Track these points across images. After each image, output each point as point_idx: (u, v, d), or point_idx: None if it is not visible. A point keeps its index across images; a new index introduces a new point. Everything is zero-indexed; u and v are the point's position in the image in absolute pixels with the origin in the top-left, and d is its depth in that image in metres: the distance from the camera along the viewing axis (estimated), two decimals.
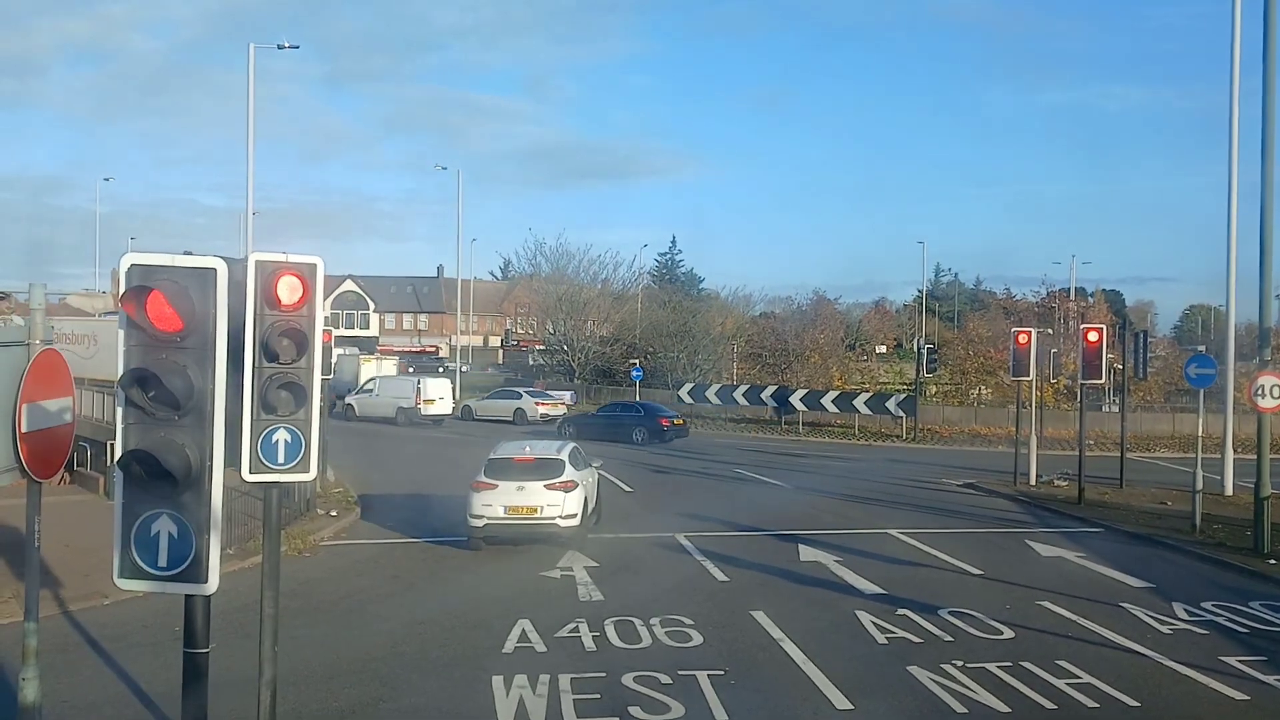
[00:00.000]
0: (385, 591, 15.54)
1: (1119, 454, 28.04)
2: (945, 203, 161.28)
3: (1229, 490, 24.96)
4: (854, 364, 62.34)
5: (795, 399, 46.75)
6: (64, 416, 6.92)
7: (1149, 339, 36.21)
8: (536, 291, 73.88)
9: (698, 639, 12.51)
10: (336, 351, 45.45)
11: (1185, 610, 13.98)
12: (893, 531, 20.19)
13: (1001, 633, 12.80)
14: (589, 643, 12.34)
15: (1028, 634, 12.76)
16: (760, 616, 13.48)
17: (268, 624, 6.97)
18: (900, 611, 13.72)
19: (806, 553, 17.77)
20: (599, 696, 10.40)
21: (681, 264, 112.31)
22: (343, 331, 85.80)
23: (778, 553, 17.95)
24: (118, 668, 11.40)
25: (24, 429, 6.45)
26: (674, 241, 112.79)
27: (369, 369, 59.17)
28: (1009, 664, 11.42)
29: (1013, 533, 20.74)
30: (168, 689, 9.43)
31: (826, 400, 46.31)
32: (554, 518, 17.65)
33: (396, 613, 14.05)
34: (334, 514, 21.01)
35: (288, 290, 6.11)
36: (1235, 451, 26.37)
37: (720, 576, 16.15)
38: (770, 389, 48.81)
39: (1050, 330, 49.07)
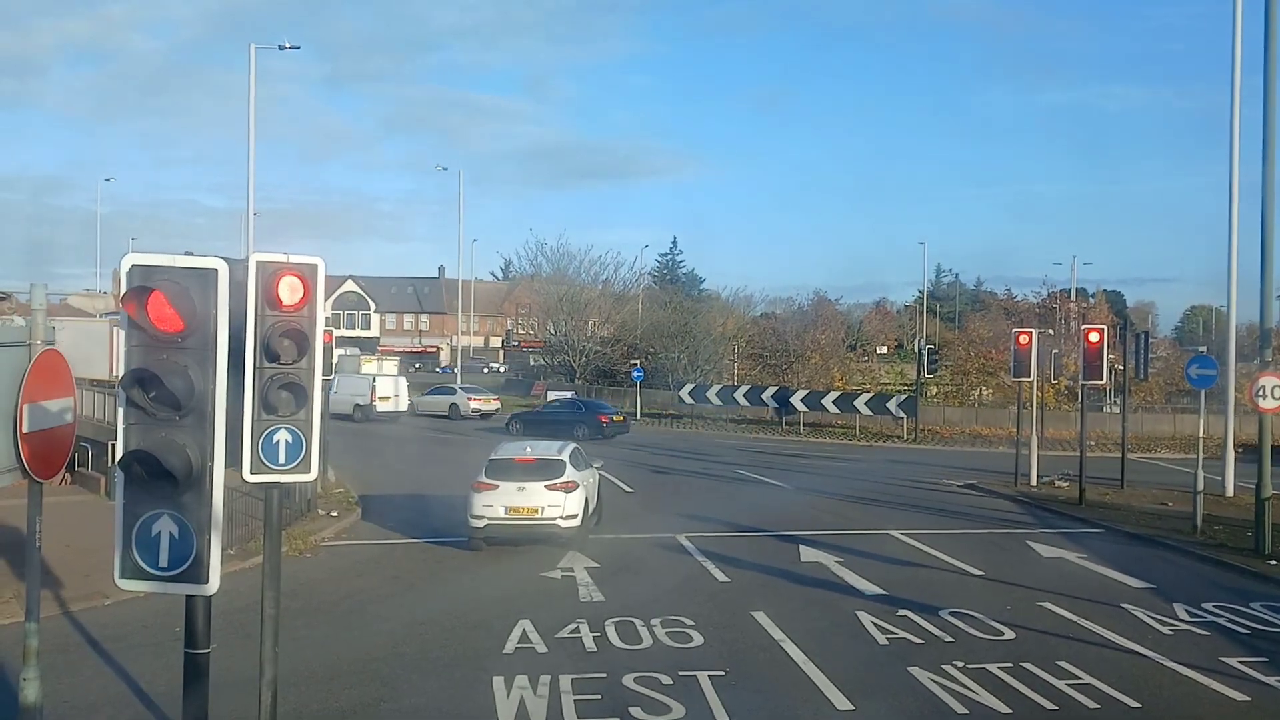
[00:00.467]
0: (386, 592, 15.54)
1: (1120, 455, 28.04)
2: (946, 203, 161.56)
3: (1230, 491, 24.96)
4: (855, 364, 62.35)
5: (796, 399, 46.76)
6: (65, 417, 6.93)
7: (1150, 340, 36.16)
8: (537, 292, 73.94)
9: (698, 640, 12.51)
10: (338, 352, 45.64)
11: (1186, 611, 13.98)
12: (893, 532, 20.19)
13: (1002, 633, 12.80)
14: (590, 643, 12.34)
15: (1028, 635, 12.75)
16: (761, 617, 13.48)
17: (268, 624, 6.98)
18: (901, 612, 13.72)
19: (807, 553, 17.77)
20: (600, 697, 10.40)
21: (682, 264, 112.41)
22: (343, 332, 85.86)
23: (778, 553, 17.95)
24: (118, 668, 11.40)
25: (25, 429, 6.46)
26: (675, 242, 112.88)
27: (370, 370, 59.28)
28: (1010, 665, 11.42)
29: (1013, 533, 20.73)
30: (168, 689, 9.46)
31: (827, 401, 46.32)
32: (555, 518, 17.65)
33: (397, 613, 14.05)
34: (335, 514, 21.02)
35: (289, 291, 6.12)
36: (1236, 452, 26.35)
37: (721, 577, 16.15)
38: (771, 389, 48.81)
39: (1051, 331, 49.05)
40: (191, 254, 5.87)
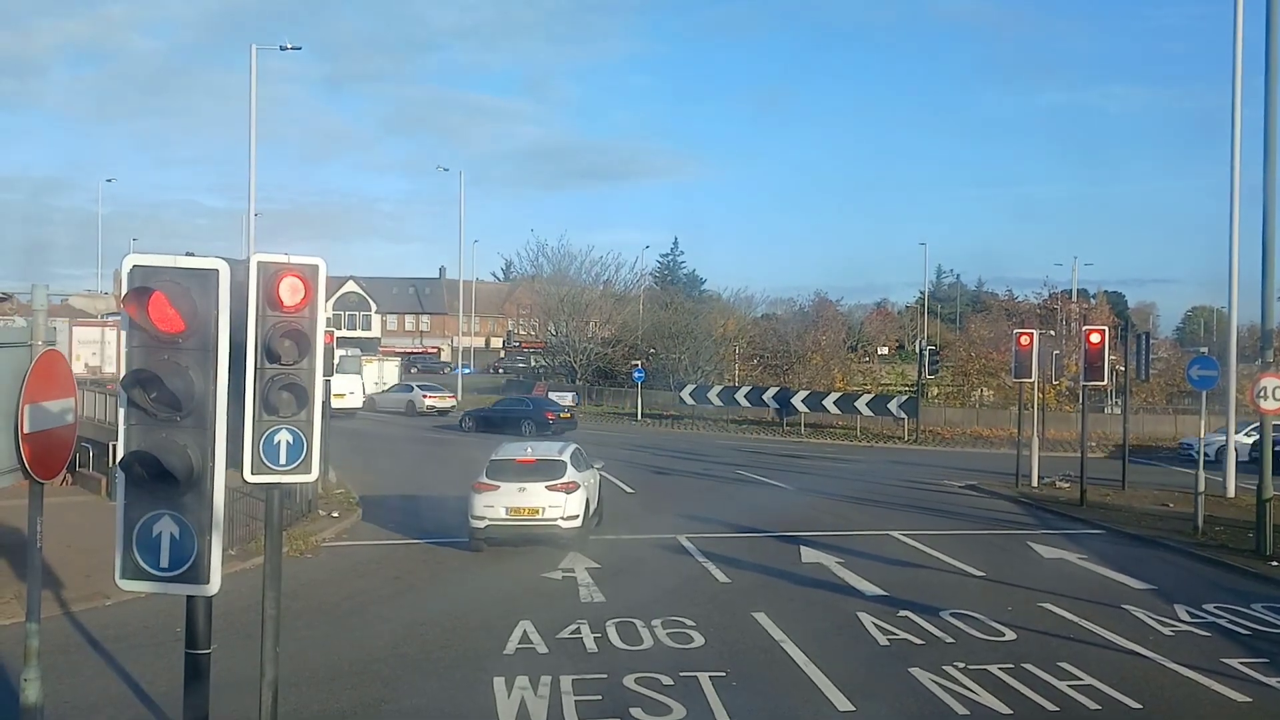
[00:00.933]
0: (387, 593, 15.55)
1: (1121, 455, 28.01)
2: (946, 204, 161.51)
3: (1231, 492, 24.93)
4: (856, 365, 62.25)
5: (797, 400, 46.76)
6: (66, 417, 6.93)
7: (1151, 340, 36.13)
8: (538, 293, 73.93)
9: (699, 640, 12.50)
10: (339, 353, 45.89)
11: (1187, 612, 13.97)
12: (894, 533, 20.18)
13: (1003, 634, 12.79)
14: (590, 644, 12.34)
15: (1029, 635, 12.75)
16: (762, 618, 13.48)
17: (269, 625, 6.98)
18: (902, 613, 13.71)
19: (808, 554, 17.77)
20: (600, 698, 10.40)
21: (683, 265, 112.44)
22: (344, 332, 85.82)
23: (779, 554, 17.94)
24: (119, 668, 11.41)
25: (26, 430, 6.46)
26: (675, 243, 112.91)
27: (370, 370, 59.40)
28: (1010, 665, 11.41)
29: (1014, 534, 20.72)
30: (169, 690, 9.47)
31: (828, 402, 46.31)
32: (555, 519, 17.65)
33: (398, 614, 14.05)
34: (335, 515, 21.02)
35: (289, 291, 6.13)
36: (1237, 453, 26.31)
37: (722, 578, 16.15)
38: (772, 390, 48.80)
39: (1052, 332, 49.08)
40: (192, 255, 5.88)
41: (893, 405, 44.90)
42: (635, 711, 9.95)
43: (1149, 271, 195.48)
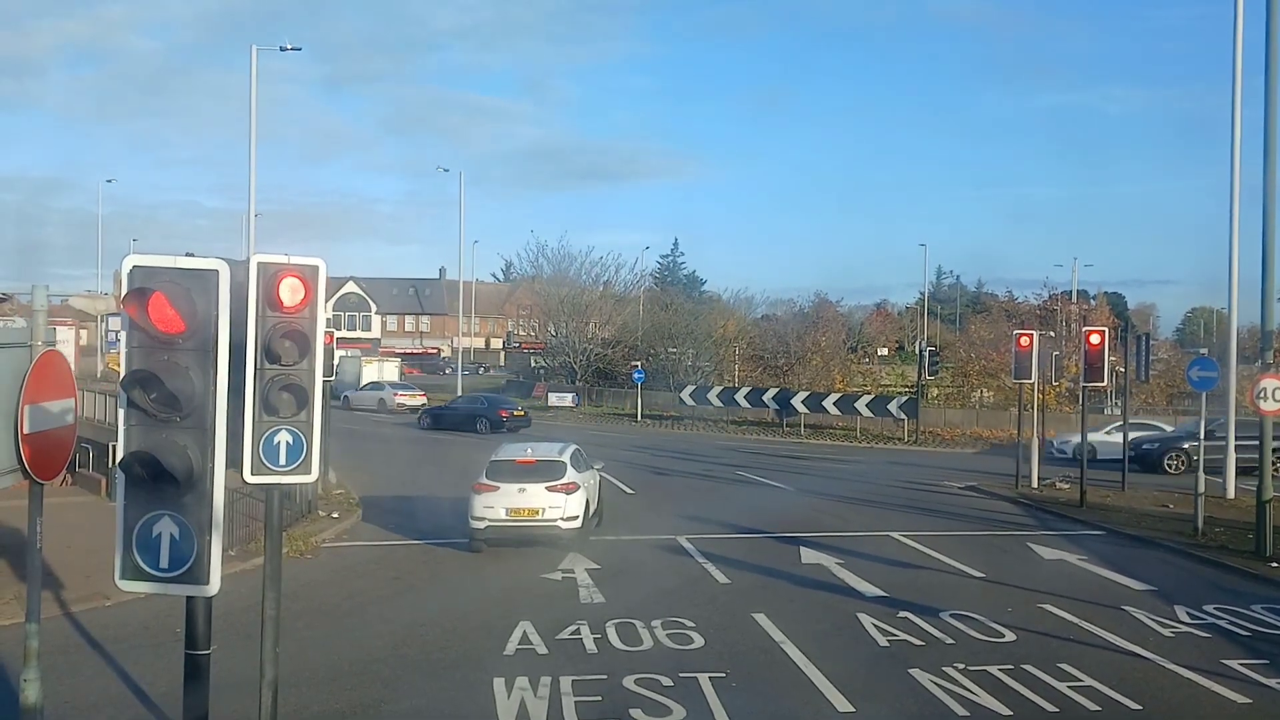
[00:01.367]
0: (387, 593, 15.55)
1: (1121, 456, 27.99)
2: (946, 205, 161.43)
3: (1231, 493, 24.91)
4: (856, 366, 62.27)
5: (797, 401, 46.76)
6: (66, 418, 6.93)
7: (1151, 341, 36.14)
8: (538, 293, 73.93)
9: (699, 641, 12.50)
10: (338, 353, 46.04)
11: (1187, 613, 13.96)
12: (894, 534, 20.18)
13: (1003, 635, 12.79)
14: (590, 645, 12.34)
15: (1029, 637, 12.74)
16: (761, 619, 13.48)
17: (269, 625, 6.98)
18: (901, 614, 13.70)
19: (808, 555, 17.77)
20: (600, 699, 10.40)
21: (683, 266, 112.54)
22: (344, 333, 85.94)
23: (779, 555, 17.94)
24: (119, 669, 11.41)
25: (26, 430, 6.46)
26: (676, 244, 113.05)
27: (370, 371, 59.51)
28: (1010, 667, 11.41)
29: (1014, 535, 20.72)
30: (169, 690, 9.47)
31: (828, 403, 46.31)
32: (555, 520, 17.66)
33: (398, 614, 14.06)
34: (335, 516, 21.03)
35: (289, 292, 6.13)
36: (1237, 454, 26.28)
37: (721, 579, 16.15)
38: (772, 391, 48.81)
39: (1052, 333, 49.00)
40: (192, 255, 5.88)
41: (893, 406, 44.90)
42: (635, 712, 9.95)
43: (1149, 272, 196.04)
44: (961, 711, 10.08)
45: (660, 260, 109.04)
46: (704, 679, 10.93)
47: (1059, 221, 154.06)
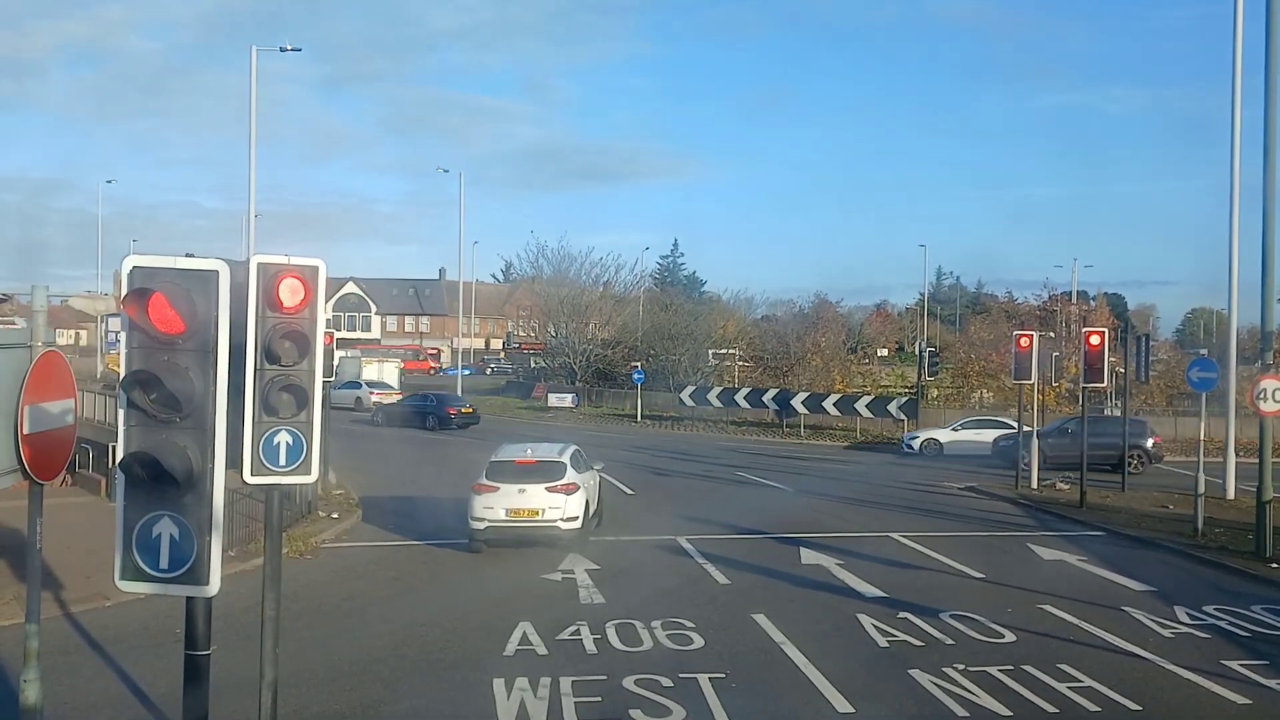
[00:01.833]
0: (386, 594, 15.55)
1: (1120, 457, 28.00)
2: (946, 205, 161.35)
3: (1231, 494, 24.92)
4: (856, 367, 62.27)
5: (797, 402, 46.74)
6: (66, 418, 6.93)
7: (1151, 342, 36.15)
8: (538, 294, 73.94)
9: (699, 642, 12.51)
10: (338, 354, 46.13)
11: (1187, 614, 13.96)
12: (894, 535, 20.17)
13: (1003, 636, 12.79)
14: (590, 645, 12.34)
15: (1029, 637, 12.75)
16: (761, 619, 13.48)
17: (269, 626, 6.98)
18: (901, 615, 13.71)
19: (808, 556, 17.76)
20: (600, 699, 10.40)
21: (683, 267, 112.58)
22: (344, 334, 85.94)
23: (779, 556, 17.94)
24: (119, 669, 11.41)
25: (26, 431, 6.46)
26: (676, 244, 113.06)
27: (370, 371, 59.56)
28: (1010, 667, 11.42)
29: (1014, 536, 20.72)
30: (169, 691, 9.47)
31: (828, 403, 46.28)
32: (555, 520, 17.66)
33: (398, 615, 14.06)
34: (335, 516, 21.03)
35: (289, 292, 6.13)
36: (1237, 455, 26.32)
37: (721, 579, 16.15)
38: (772, 392, 48.80)
39: (1052, 333, 49.12)
40: (192, 256, 5.88)
41: (892, 407, 44.88)
42: (635, 713, 9.95)
43: (1149, 273, 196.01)
44: (961, 712, 10.08)
45: (660, 261, 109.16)
46: (704, 679, 10.94)
47: (1059, 222, 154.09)
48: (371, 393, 54.81)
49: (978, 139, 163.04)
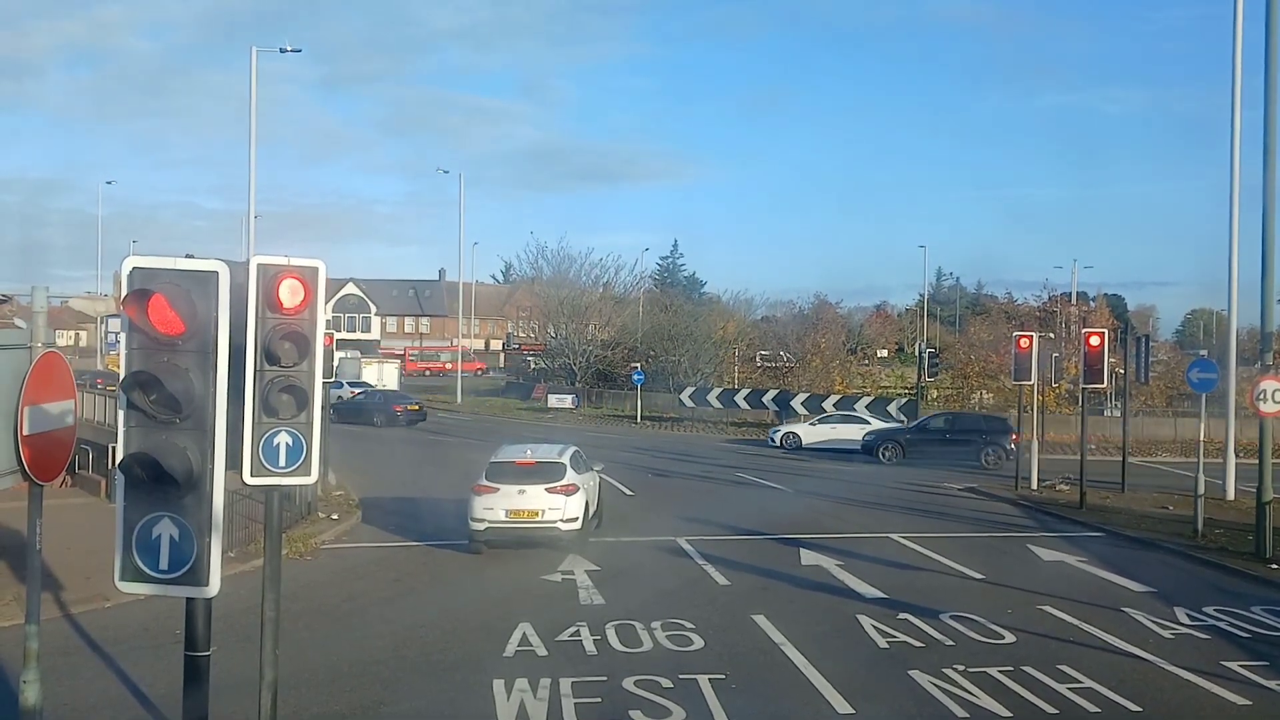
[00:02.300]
0: (386, 595, 15.55)
1: (1120, 458, 28.01)
2: (946, 206, 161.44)
3: (1231, 495, 24.93)
4: (855, 368, 62.25)
5: (797, 403, 46.72)
6: (66, 419, 6.93)
7: (1151, 343, 36.12)
8: (538, 295, 73.91)
9: (699, 642, 12.50)
10: (338, 354, 46.18)
11: (1187, 615, 13.96)
12: (894, 536, 20.17)
13: (1003, 637, 12.79)
14: (590, 646, 12.34)
15: (1029, 638, 12.75)
16: (761, 620, 13.48)
17: (269, 627, 6.98)
18: (901, 616, 13.70)
19: (808, 557, 17.76)
20: (600, 700, 10.40)
21: (683, 268, 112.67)
22: (344, 334, 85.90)
23: (779, 557, 17.94)
24: (119, 670, 11.41)
25: (26, 431, 6.46)
26: (675, 245, 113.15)
27: (370, 372, 59.53)
28: (1010, 668, 11.42)
29: (1014, 537, 20.72)
30: (169, 692, 9.46)
31: (828, 404, 46.25)
32: (555, 521, 17.66)
33: (398, 616, 14.05)
34: (335, 517, 21.01)
35: (289, 293, 6.13)
36: (1237, 456, 26.33)
37: (721, 580, 16.15)
38: (772, 393, 48.78)
39: (1052, 334, 49.01)
40: (192, 256, 5.88)
41: (892, 408, 44.83)
42: (635, 714, 9.95)
43: (1149, 274, 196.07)
44: (961, 713, 10.08)
45: (660, 262, 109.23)
46: (704, 680, 10.93)
47: (1059, 223, 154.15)
48: (352, 392, 54.92)
49: (977, 139, 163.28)
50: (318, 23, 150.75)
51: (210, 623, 6.15)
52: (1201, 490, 20.19)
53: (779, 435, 40.25)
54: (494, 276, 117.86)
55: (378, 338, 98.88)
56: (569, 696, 10.45)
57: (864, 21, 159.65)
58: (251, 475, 6.24)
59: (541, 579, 16.15)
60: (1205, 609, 14.29)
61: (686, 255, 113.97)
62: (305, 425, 6.25)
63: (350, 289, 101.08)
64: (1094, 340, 24.65)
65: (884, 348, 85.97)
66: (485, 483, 17.93)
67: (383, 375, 60.72)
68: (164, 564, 5.77)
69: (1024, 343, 26.64)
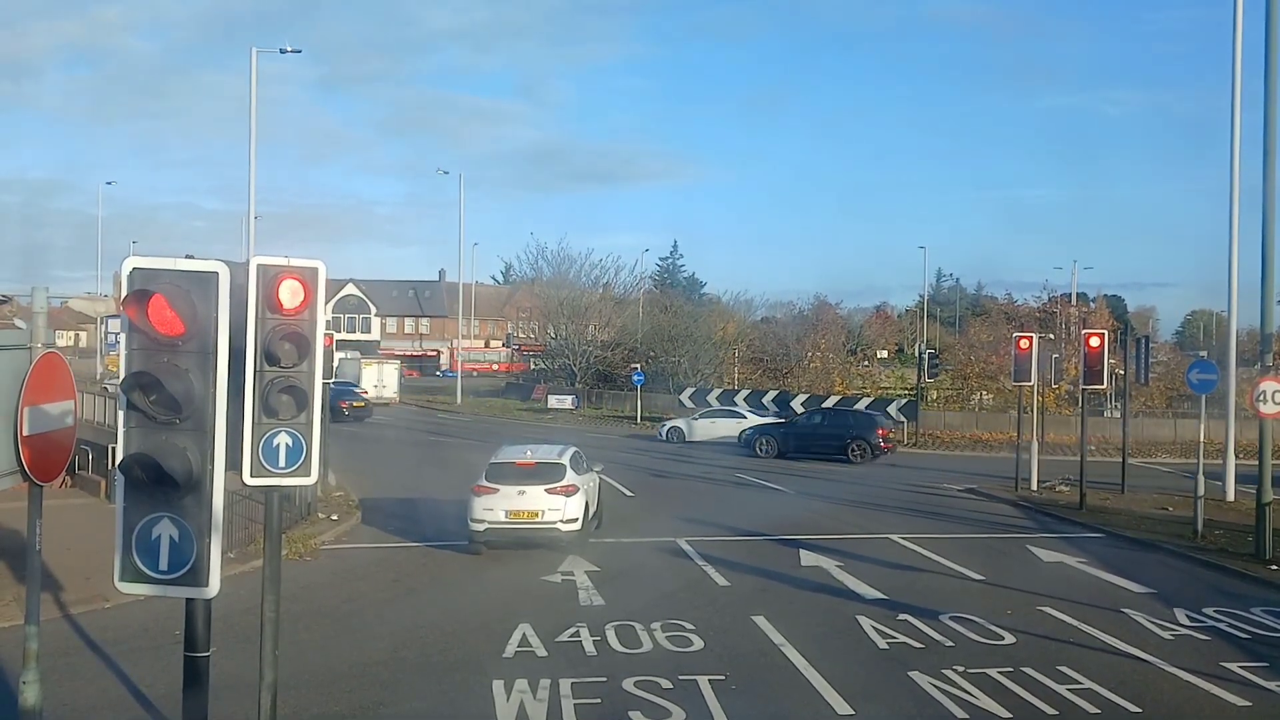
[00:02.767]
0: (386, 596, 15.54)
1: (1120, 459, 28.02)
2: (946, 207, 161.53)
3: (1230, 496, 24.92)
4: (855, 369, 62.24)
5: (797, 404, 46.71)
6: (65, 420, 6.93)
7: (1151, 344, 36.15)
8: (538, 296, 73.97)
9: (698, 643, 12.50)
10: (338, 355, 46.17)
11: (1187, 616, 13.96)
12: (894, 537, 20.17)
13: (1003, 638, 12.79)
14: (590, 647, 12.34)
15: (1029, 639, 12.74)
16: (761, 621, 13.48)
17: (268, 628, 6.98)
18: (901, 617, 13.70)
19: (807, 558, 17.76)
20: (599, 701, 10.40)
21: (683, 268, 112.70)
22: (344, 335, 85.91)
23: (779, 558, 17.94)
24: (118, 671, 11.40)
25: (26, 432, 6.46)
26: (675, 246, 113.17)
27: (370, 373, 59.52)
28: (1010, 669, 11.42)
29: (1014, 538, 20.72)
30: (168, 692, 9.45)
31: (828, 405, 46.25)
32: (555, 522, 17.65)
33: (397, 617, 14.05)
34: (335, 518, 21.01)
35: (289, 294, 6.13)
36: (1237, 458, 26.32)
37: (721, 581, 16.15)
38: (772, 394, 48.79)
39: (1052, 335, 48.99)
40: (192, 257, 5.88)
41: (892, 409, 44.85)
42: (634, 715, 9.95)
43: (1148, 275, 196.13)
44: (961, 714, 10.08)
45: (660, 262, 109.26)
46: (703, 681, 10.93)
47: (1059, 224, 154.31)
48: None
49: (977, 140, 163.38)
50: (317, 23, 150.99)
51: (210, 623, 6.15)
52: (1201, 491, 20.19)
53: (666, 430, 42.07)
54: (494, 277, 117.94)
55: (378, 338, 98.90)
56: (569, 697, 10.45)
57: (864, 22, 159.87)
58: (251, 476, 6.24)
59: (541, 580, 16.14)
60: (1205, 610, 14.29)
61: (686, 256, 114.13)
62: (305, 426, 6.25)
63: (350, 290, 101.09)
64: (1094, 341, 24.64)
65: (884, 348, 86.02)
66: (485, 483, 17.93)
67: (382, 376, 60.69)
68: (164, 565, 5.77)
69: (1024, 344, 26.64)
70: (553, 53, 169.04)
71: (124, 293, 5.68)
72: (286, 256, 6.21)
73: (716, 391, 50.53)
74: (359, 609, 14.60)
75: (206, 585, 5.81)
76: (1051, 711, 10.18)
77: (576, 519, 17.84)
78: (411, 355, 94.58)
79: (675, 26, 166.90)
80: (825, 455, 35.16)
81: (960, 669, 11.41)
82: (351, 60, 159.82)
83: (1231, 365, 26.32)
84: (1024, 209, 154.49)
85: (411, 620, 13.80)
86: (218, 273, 5.76)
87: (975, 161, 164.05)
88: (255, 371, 6.12)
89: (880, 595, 15.06)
